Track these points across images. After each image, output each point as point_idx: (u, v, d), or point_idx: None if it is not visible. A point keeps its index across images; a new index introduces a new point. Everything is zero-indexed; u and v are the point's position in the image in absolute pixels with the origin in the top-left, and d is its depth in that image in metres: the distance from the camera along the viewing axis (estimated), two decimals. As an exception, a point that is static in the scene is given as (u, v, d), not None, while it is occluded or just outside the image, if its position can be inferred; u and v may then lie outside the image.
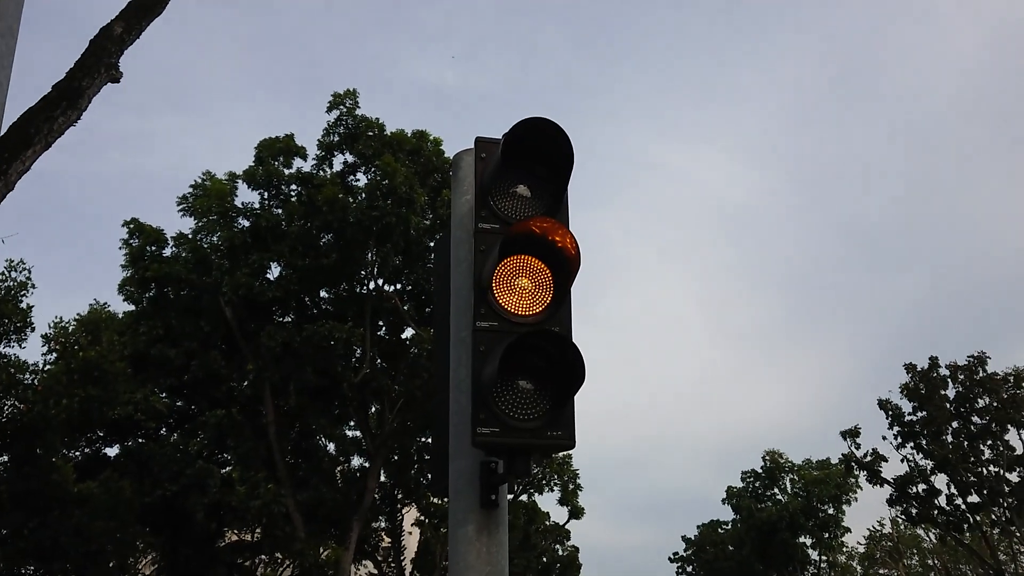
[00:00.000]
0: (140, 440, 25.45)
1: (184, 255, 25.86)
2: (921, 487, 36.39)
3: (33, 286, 20.72)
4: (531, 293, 3.66)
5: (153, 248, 25.96)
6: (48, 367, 21.91)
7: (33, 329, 20.85)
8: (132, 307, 26.12)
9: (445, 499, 3.84)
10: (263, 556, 33.37)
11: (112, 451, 25.90)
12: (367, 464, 28.06)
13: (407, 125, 29.83)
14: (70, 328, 22.77)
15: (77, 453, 25.02)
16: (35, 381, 21.18)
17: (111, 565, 23.81)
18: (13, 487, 20.29)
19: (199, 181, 26.09)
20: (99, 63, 8.38)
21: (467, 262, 3.85)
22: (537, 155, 3.69)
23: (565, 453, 45.48)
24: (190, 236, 26.00)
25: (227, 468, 25.57)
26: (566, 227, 3.62)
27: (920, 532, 48.88)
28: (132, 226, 25.99)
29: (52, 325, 22.32)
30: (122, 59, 8.97)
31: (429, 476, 29.84)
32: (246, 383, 26.02)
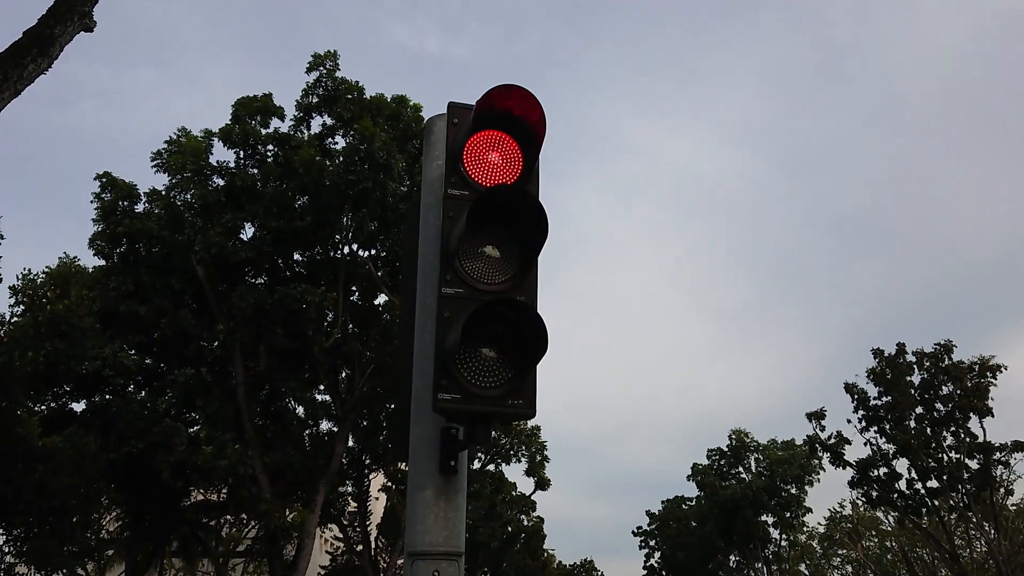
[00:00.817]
0: (107, 396, 25.25)
1: (157, 211, 25.56)
2: (882, 470, 36.94)
3: (2, 237, 20.41)
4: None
5: (125, 203, 25.63)
6: (15, 319, 21.67)
7: (0, 280, 20.57)
8: (102, 262, 25.83)
9: (406, 464, 3.84)
10: (228, 516, 33.41)
11: (79, 406, 25.70)
12: (335, 428, 28.07)
13: (387, 90, 29.58)
14: (39, 281, 22.52)
15: (43, 407, 24.79)
16: (1, 332, 20.94)
17: (74, 521, 23.72)
18: (-24, 439, 20.12)
19: (174, 137, 25.75)
20: (72, 11, 8.20)
21: (435, 227, 3.83)
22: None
23: (533, 424, 45.58)
24: (163, 193, 25.70)
25: (195, 427, 25.45)
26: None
27: (880, 515, 49.59)
28: (104, 180, 25.64)
29: (20, 277, 22.07)
30: (97, 9, 8.79)
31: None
32: (216, 343, 25.86)
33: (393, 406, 29.15)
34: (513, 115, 3.70)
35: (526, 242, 3.61)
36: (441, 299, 3.52)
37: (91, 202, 25.49)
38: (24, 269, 25.59)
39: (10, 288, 21.64)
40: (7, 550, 24.12)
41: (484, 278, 3.57)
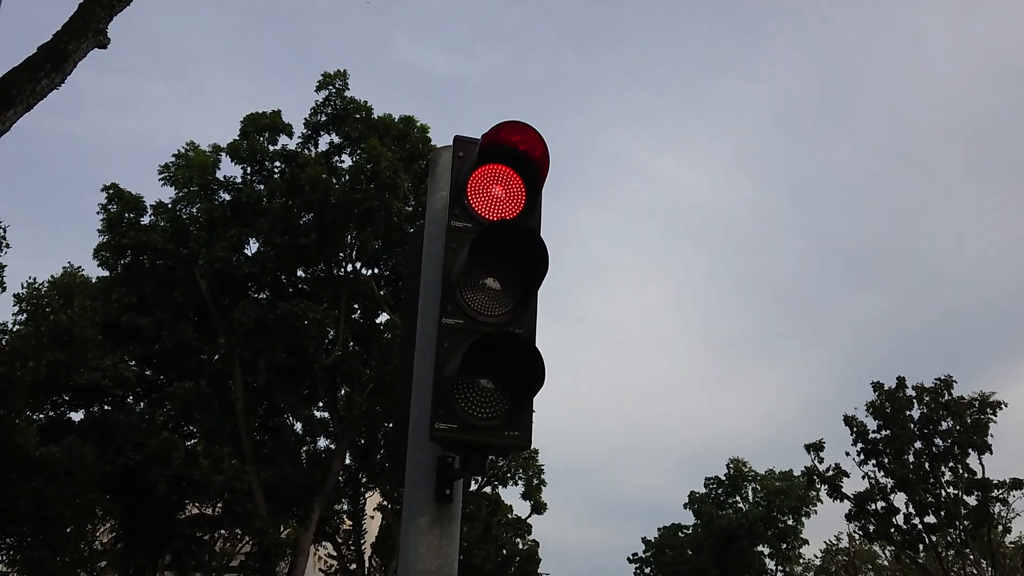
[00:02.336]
0: (106, 407, 25.29)
1: (162, 224, 25.69)
2: (880, 504, 36.81)
3: (7, 245, 20.52)
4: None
5: (131, 215, 25.77)
6: (17, 327, 21.75)
7: (4, 288, 20.66)
8: (106, 273, 25.95)
9: (401, 489, 3.88)
10: (223, 531, 33.32)
11: (77, 416, 25.73)
12: (333, 446, 28.04)
13: (395, 110, 29.80)
14: (42, 290, 22.61)
15: (41, 416, 24.82)
16: (3, 341, 21.00)
17: (68, 531, 23.68)
18: (-27, 447, 20.14)
19: (182, 151, 25.93)
20: (87, 27, 8.32)
21: (438, 258, 3.89)
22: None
23: (532, 448, 45.64)
24: (169, 206, 25.83)
25: (192, 441, 25.47)
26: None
27: (876, 548, 49.41)
28: (111, 191, 25.79)
29: (25, 285, 22.16)
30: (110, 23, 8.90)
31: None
32: (216, 357, 25.91)
33: (390, 425, 29.13)
34: (518, 150, 3.77)
35: (526, 276, 3.66)
36: (441, 329, 3.56)
37: (97, 213, 25.67)
38: (29, 278, 25.70)
39: (14, 296, 21.77)
40: (0, 559, 24.05)
41: (484, 310, 3.62)
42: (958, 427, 35.33)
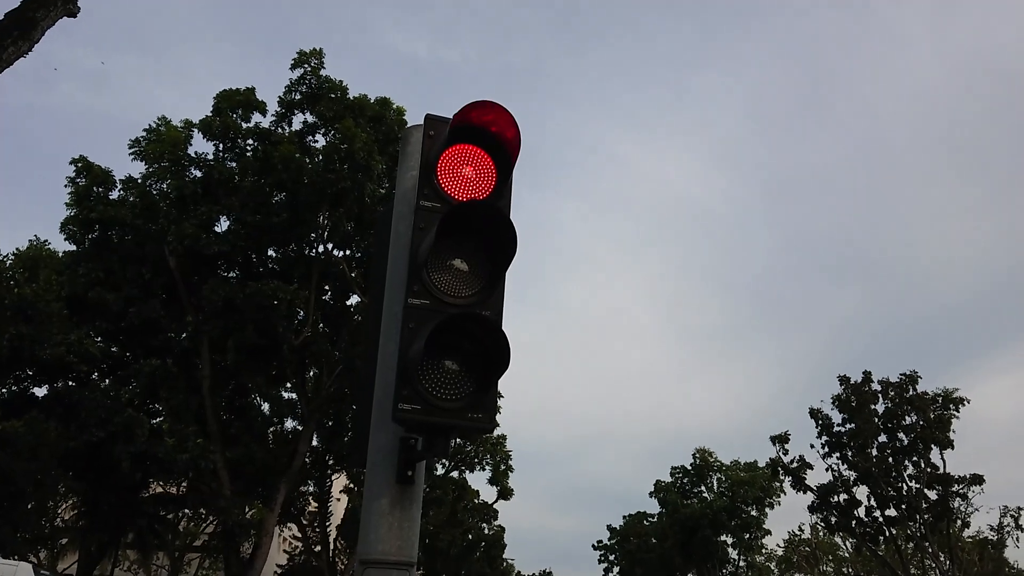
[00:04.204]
0: (70, 383, 24.97)
1: (132, 200, 25.36)
2: (843, 497, 37.21)
3: (-28, 216, 20.18)
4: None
5: (100, 189, 25.41)
6: (-20, 301, 21.42)
7: (-32, 261, 20.33)
8: (73, 247, 25.58)
9: (363, 470, 3.85)
10: (187, 511, 33.11)
11: (40, 391, 25.39)
12: (300, 427, 27.92)
13: (374, 92, 29.56)
14: (7, 263, 22.27)
15: (3, 391, 24.48)
16: (-35, 314, 20.68)
17: (29, 507, 23.43)
18: (-67, 420, 19.83)
19: (153, 126, 25.56)
20: (56, -5, 8.14)
21: (406, 237, 3.84)
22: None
23: (499, 433, 45.55)
24: (140, 181, 25.50)
25: (158, 419, 25.23)
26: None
27: (838, 540, 49.97)
28: (80, 165, 25.41)
29: (-12, 258, 21.80)
30: (82, -7, 8.72)
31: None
32: (184, 335, 25.65)
33: (354, 407, 29.02)
34: (489, 131, 3.73)
35: (495, 257, 3.63)
36: (407, 309, 3.52)
37: (65, 186, 25.27)
38: (-7, 250, 25.28)
39: (-23, 269, 21.39)
40: (-41, 534, 23.75)
41: (451, 291, 3.58)
42: (921, 422, 35.75)
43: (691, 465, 57.70)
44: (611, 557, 67.35)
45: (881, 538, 37.44)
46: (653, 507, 61.57)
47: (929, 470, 35.53)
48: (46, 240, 24.65)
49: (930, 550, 36.32)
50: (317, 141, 25.77)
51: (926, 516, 35.18)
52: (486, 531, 53.44)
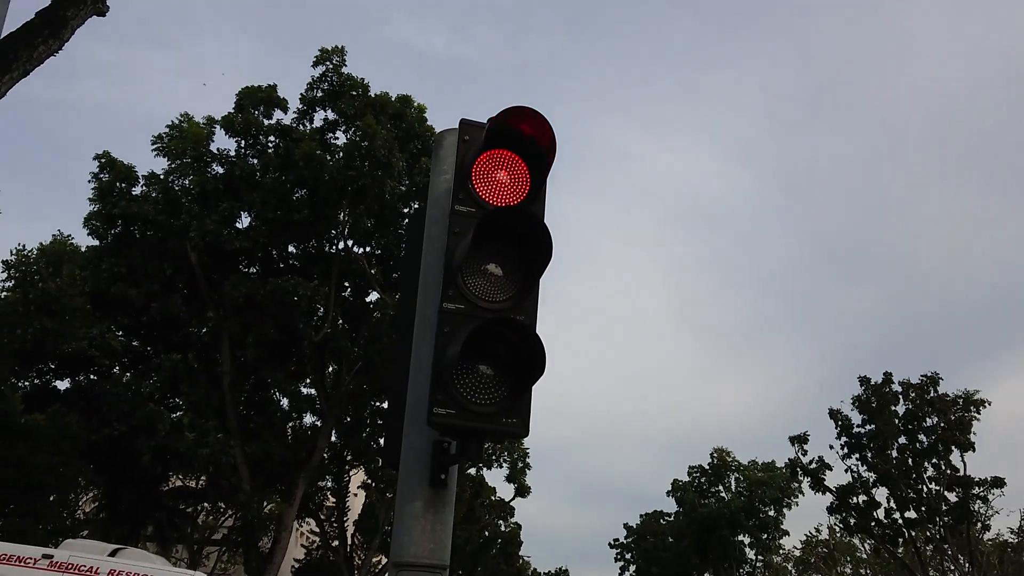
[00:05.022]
0: (92, 377, 25.17)
1: (154, 195, 25.51)
2: (862, 498, 37.03)
3: (-2, 211, 20.37)
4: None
5: (123, 185, 25.56)
6: (5, 294, 21.61)
7: (-7, 255, 20.50)
8: (96, 242, 25.75)
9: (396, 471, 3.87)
10: (206, 504, 33.33)
11: (63, 385, 25.61)
12: (319, 423, 28.03)
13: (390, 85, 29.59)
14: (31, 257, 22.45)
15: (26, 384, 24.69)
16: (-10, 308, 20.87)
17: (51, 500, 23.64)
18: (-42, 412, 20.05)
19: (176, 122, 25.72)
20: (86, -6, 8.20)
21: (440, 241, 3.86)
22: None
23: (517, 431, 45.94)
24: (162, 177, 25.66)
25: (178, 413, 25.39)
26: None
27: (856, 542, 49.73)
28: (103, 160, 25.57)
29: (13, 252, 21.99)
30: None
31: (381, 442, 29.91)
32: (205, 330, 25.81)
33: (377, 403, 29.15)
34: (525, 136, 3.74)
35: (529, 263, 3.64)
36: (442, 313, 3.54)
37: (88, 181, 25.44)
38: (18, 245, 25.52)
39: (2, 263, 21.59)
40: (-18, 525, 24.00)
41: (486, 296, 3.60)
42: (942, 424, 35.52)
43: (709, 464, 57.55)
44: (627, 556, 67.28)
45: (900, 540, 37.23)
46: (670, 506, 61.51)
47: (949, 472, 35.29)
48: (69, 235, 24.80)
49: (949, 553, 36.12)
50: (338, 138, 25.88)
51: (946, 518, 34.96)
52: (502, 528, 53.53)
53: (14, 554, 13.75)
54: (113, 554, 14.66)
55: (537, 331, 3.54)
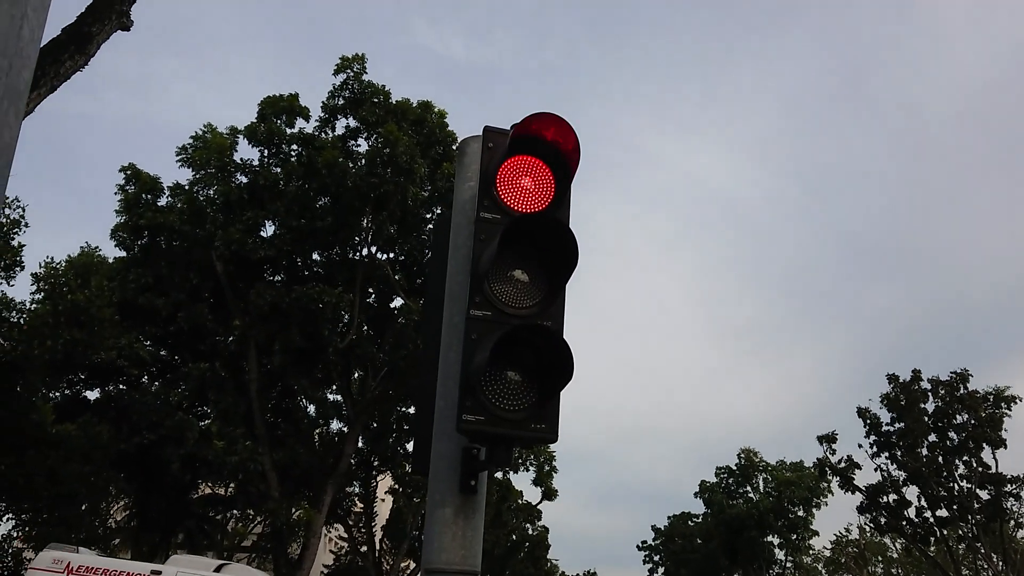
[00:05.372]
0: (121, 386, 25.44)
1: (179, 206, 25.75)
2: (892, 497, 36.70)
3: (26, 225, 20.65)
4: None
5: (149, 196, 25.82)
6: (35, 306, 21.88)
7: (23, 268, 20.78)
8: (123, 253, 26.03)
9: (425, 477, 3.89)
10: (235, 511, 33.56)
11: (93, 395, 25.91)
12: (346, 429, 28.15)
13: (411, 93, 29.71)
14: (60, 269, 22.72)
15: (57, 394, 25.00)
16: (21, 320, 21.12)
17: (82, 508, 23.90)
18: (-9, 424, 20.30)
19: (200, 133, 25.96)
20: (110, 9, 8.31)
21: (466, 248, 3.88)
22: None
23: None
24: (187, 187, 25.89)
25: (206, 421, 25.61)
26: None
27: (887, 541, 49.33)
28: (129, 172, 25.84)
29: (43, 265, 22.25)
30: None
31: (409, 448, 29.99)
32: (231, 339, 26.00)
33: (403, 409, 29.25)
34: (548, 142, 3.75)
35: (555, 268, 3.65)
36: (469, 320, 3.55)
37: (115, 193, 25.72)
38: (47, 257, 25.83)
39: (32, 275, 21.85)
40: (15, 535, 24.30)
41: (512, 302, 3.61)
42: (972, 421, 35.15)
43: (736, 465, 57.24)
44: (656, 558, 67.09)
45: (932, 539, 36.87)
46: (697, 507, 61.27)
47: (981, 470, 34.91)
48: (97, 247, 25.11)
49: (982, 551, 35.68)
50: (360, 145, 26.02)
51: (978, 516, 34.57)
52: (530, 532, 53.50)
53: (124, 570, 14.08)
54: (218, 570, 14.96)
55: (564, 336, 3.55)
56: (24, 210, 20.59)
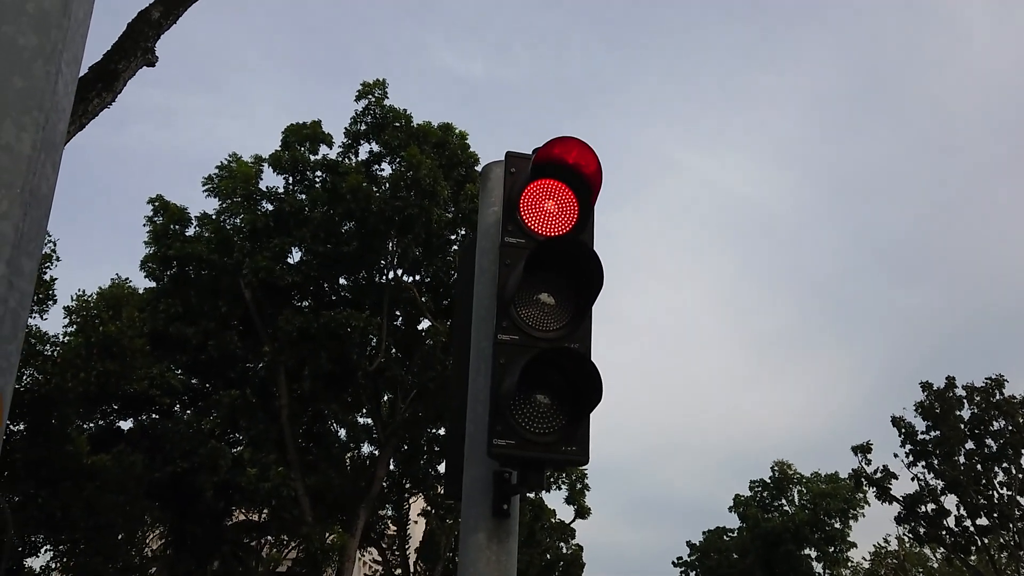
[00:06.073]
0: (154, 416, 25.68)
1: (207, 235, 26.03)
2: (930, 506, 36.22)
3: (57, 258, 20.94)
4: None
5: (176, 227, 26.12)
6: (68, 339, 22.17)
7: (55, 301, 21.06)
8: (153, 284, 26.32)
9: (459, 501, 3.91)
10: (269, 537, 33.64)
11: (126, 425, 26.15)
12: (377, 452, 28.21)
13: (432, 115, 29.98)
14: (92, 302, 23.02)
15: (91, 425, 25.26)
16: (54, 353, 21.40)
17: (119, 538, 24.08)
18: (27, 456, 20.54)
19: (225, 163, 26.28)
20: (136, 47, 8.47)
21: (491, 273, 3.91)
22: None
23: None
24: (214, 216, 26.18)
25: (238, 448, 25.76)
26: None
27: (927, 551, 48.60)
28: (157, 204, 26.18)
29: (74, 298, 22.56)
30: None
31: (440, 470, 30.00)
32: (261, 365, 26.19)
33: (433, 430, 29.29)
34: (570, 165, 3.78)
35: (581, 290, 3.67)
36: (497, 345, 3.58)
37: (144, 225, 26.04)
38: (78, 290, 26.19)
39: (64, 309, 22.16)
40: (53, 566, 24.51)
41: (539, 325, 3.63)
42: (1010, 427, 34.67)
43: (770, 478, 56.71)
44: (692, 574, 66.44)
45: (973, 548, 36.30)
46: (733, 522, 60.64)
47: (1021, 476, 34.39)
48: (127, 278, 25.42)
49: (1025, 560, 35.09)
50: (383, 169, 26.21)
51: (1019, 524, 34.02)
52: (564, 551, 53.18)
53: None
54: None
55: (592, 358, 3.56)
56: (55, 244, 20.92)
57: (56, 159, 1.50)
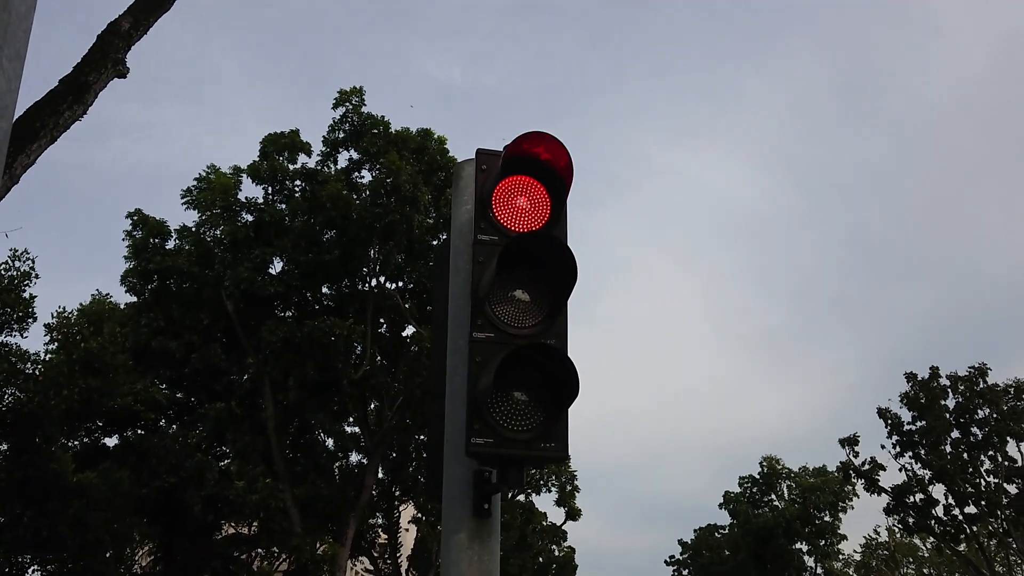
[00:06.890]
0: (139, 431, 25.48)
1: (187, 248, 25.88)
2: (919, 496, 36.38)
3: (36, 276, 20.75)
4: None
5: (156, 240, 25.96)
6: (49, 357, 21.97)
7: (35, 319, 20.86)
8: (134, 298, 26.13)
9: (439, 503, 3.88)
10: (259, 550, 33.42)
11: (111, 441, 25.94)
12: (365, 460, 28.10)
13: (413, 120, 29.93)
14: (73, 318, 22.82)
15: (76, 443, 25.04)
16: (36, 371, 21.19)
17: (108, 556, 23.86)
18: (12, 476, 20.34)
19: (203, 174, 26.12)
20: (106, 58, 8.40)
21: (465, 272, 3.88)
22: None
23: (563, 454, 45.87)
24: (193, 229, 26.03)
25: (225, 461, 25.60)
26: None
27: (917, 541, 48.84)
28: (136, 218, 26.00)
29: (55, 315, 22.37)
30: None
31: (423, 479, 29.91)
32: (246, 377, 26.04)
33: (421, 437, 29.17)
34: (541, 160, 3.76)
35: (555, 286, 3.65)
36: (472, 343, 3.56)
37: (123, 239, 25.86)
38: (59, 307, 25.98)
39: (45, 326, 21.97)
40: (42, 586, 24.28)
41: (514, 322, 3.61)
42: (995, 415, 34.88)
43: (759, 474, 56.88)
44: (685, 572, 66.52)
45: (962, 537, 36.48)
46: (723, 519, 60.81)
47: (1007, 463, 34.61)
48: (108, 294, 25.22)
49: (1015, 546, 35.28)
50: (363, 177, 26.12)
51: (1008, 511, 34.21)
52: (556, 553, 53.11)
53: None
54: None
55: (568, 353, 3.55)
56: (34, 261, 20.71)
57: (0, 158, 1.46)
